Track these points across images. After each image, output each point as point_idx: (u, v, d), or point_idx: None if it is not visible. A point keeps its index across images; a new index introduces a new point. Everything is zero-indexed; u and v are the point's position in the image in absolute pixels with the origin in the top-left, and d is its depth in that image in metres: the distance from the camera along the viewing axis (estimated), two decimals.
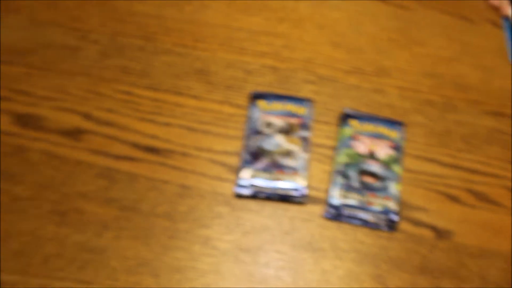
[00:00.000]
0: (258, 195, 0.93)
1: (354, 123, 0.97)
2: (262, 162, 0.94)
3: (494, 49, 1.07)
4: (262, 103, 0.98)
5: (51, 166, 0.94)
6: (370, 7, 1.09)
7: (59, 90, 1.00)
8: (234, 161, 0.96)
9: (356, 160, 0.95)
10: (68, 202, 0.92)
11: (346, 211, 0.92)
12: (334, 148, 0.97)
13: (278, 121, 0.97)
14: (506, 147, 0.98)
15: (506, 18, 1.08)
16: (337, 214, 0.92)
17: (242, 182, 0.93)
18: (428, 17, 1.09)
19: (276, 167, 0.94)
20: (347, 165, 0.95)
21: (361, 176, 0.94)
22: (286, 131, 0.97)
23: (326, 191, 0.94)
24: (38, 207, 0.91)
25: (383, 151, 0.96)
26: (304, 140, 0.96)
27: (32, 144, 0.95)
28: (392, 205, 0.92)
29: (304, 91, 1.01)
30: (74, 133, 0.96)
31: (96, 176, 0.93)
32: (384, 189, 0.93)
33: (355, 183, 0.93)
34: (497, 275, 0.90)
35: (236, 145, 0.97)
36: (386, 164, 0.95)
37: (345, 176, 0.94)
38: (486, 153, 0.98)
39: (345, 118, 0.98)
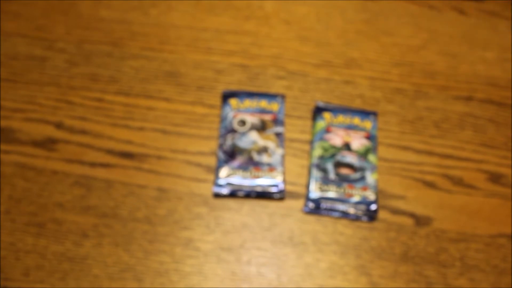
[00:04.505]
0: (236, 194, 0.93)
1: (327, 115, 0.98)
2: (238, 160, 0.94)
3: (459, 36, 1.08)
4: (234, 102, 0.98)
5: (25, 178, 0.93)
6: (337, 1, 1.10)
7: (29, 101, 0.99)
8: (210, 161, 0.96)
9: (332, 153, 0.95)
10: (45, 213, 0.91)
11: (325, 204, 0.92)
12: (309, 142, 0.97)
13: (252, 119, 0.97)
14: (478, 131, 1.00)
15: None
16: (316, 208, 0.92)
17: (220, 182, 0.93)
18: (395, 7, 1.09)
19: (252, 164, 0.94)
20: (323, 158, 0.95)
21: (338, 168, 0.94)
22: (260, 128, 0.97)
23: (304, 186, 0.95)
24: (14, 220, 0.90)
25: (358, 142, 0.96)
26: (279, 135, 0.96)
27: (5, 157, 0.94)
28: (370, 195, 0.93)
29: (275, 87, 1.02)
30: (47, 143, 0.96)
31: (72, 185, 0.93)
32: (361, 180, 0.94)
33: (332, 176, 0.94)
34: (476, 257, 0.91)
35: (211, 145, 0.97)
36: (362, 154, 0.95)
37: (321, 169, 0.94)
38: (458, 137, 0.99)
39: (318, 111, 0.98)
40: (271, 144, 0.96)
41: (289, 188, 0.95)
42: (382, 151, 0.97)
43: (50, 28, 1.05)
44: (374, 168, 0.95)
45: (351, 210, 0.92)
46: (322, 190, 0.93)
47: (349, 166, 0.95)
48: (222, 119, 0.98)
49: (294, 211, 0.93)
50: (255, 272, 0.89)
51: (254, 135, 0.96)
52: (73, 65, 1.02)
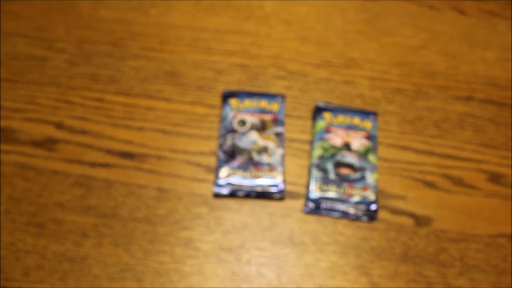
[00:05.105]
0: (236, 194, 0.93)
1: (327, 115, 0.98)
2: (238, 160, 0.94)
3: (459, 36, 1.08)
4: (234, 102, 0.98)
5: (25, 178, 0.93)
6: (337, 1, 1.10)
7: (29, 101, 0.99)
8: (210, 161, 0.96)
9: (332, 153, 0.95)
10: (45, 213, 0.91)
11: (325, 204, 0.92)
12: (309, 142, 0.97)
13: (252, 119, 0.97)
14: (478, 131, 1.00)
15: None
16: (316, 208, 0.92)
17: (220, 182, 0.93)
18: (395, 7, 1.09)
19: (252, 164, 0.94)
20: (323, 158, 0.95)
21: (338, 168, 0.94)
22: (260, 128, 0.97)
23: (304, 186, 0.95)
24: (14, 220, 0.90)
25: (358, 141, 0.96)
26: (279, 135, 0.96)
27: (5, 157, 0.94)
28: (370, 195, 0.93)
29: (275, 87, 1.02)
30: (48, 143, 0.96)
31: (72, 185, 0.93)
32: (361, 180, 0.94)
33: (332, 176, 0.94)
34: (476, 257, 0.91)
35: (211, 145, 0.97)
36: (362, 154, 0.95)
37: (321, 169, 0.94)
38: (458, 137, 0.99)
39: (318, 111, 0.98)
40: (271, 144, 0.96)
41: (289, 188, 0.95)
42: (382, 151, 0.97)
43: (50, 28, 1.05)
44: (374, 168, 0.95)
45: (351, 210, 0.92)
46: (322, 190, 0.93)
47: (349, 166, 0.95)
48: (222, 119, 0.98)
49: (294, 211, 0.93)
50: (255, 272, 0.89)
51: (254, 135, 0.96)
52: (73, 65, 1.02)
